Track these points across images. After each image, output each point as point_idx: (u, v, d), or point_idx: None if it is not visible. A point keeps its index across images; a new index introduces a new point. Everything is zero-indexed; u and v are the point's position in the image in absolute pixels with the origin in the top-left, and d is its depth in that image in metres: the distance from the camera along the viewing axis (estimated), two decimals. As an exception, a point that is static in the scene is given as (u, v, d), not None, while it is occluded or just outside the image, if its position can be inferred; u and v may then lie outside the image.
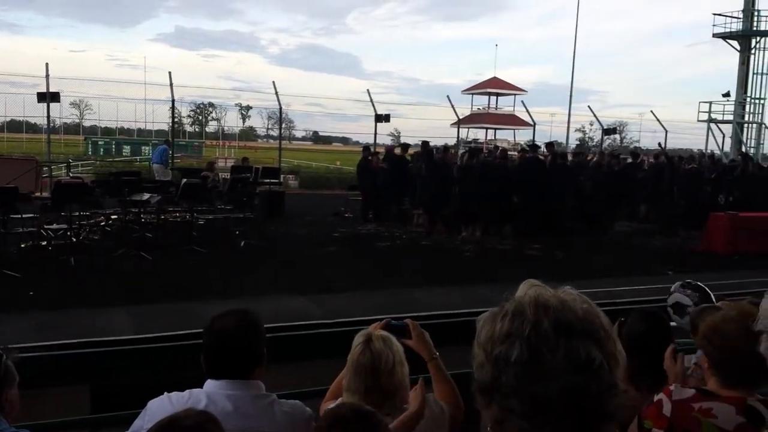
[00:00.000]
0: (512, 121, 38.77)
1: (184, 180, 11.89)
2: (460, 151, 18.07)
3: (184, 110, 71.33)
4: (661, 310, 3.18)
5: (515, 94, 41.29)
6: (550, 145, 16.96)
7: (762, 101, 25.20)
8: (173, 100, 18.40)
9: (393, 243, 12.41)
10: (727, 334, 2.15)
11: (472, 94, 44.99)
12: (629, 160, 17.32)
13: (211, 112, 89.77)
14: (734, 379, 2.13)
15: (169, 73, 17.91)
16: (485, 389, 1.01)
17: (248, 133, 70.43)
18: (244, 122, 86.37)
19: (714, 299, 4.15)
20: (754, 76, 25.16)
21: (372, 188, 14.88)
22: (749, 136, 25.46)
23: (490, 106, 45.32)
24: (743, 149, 24.33)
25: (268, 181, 14.95)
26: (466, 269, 10.20)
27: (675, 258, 11.73)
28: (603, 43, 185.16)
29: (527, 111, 23.08)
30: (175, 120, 21.89)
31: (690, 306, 4.24)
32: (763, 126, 25.44)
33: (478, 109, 44.68)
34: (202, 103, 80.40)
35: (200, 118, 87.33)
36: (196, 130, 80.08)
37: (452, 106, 21.92)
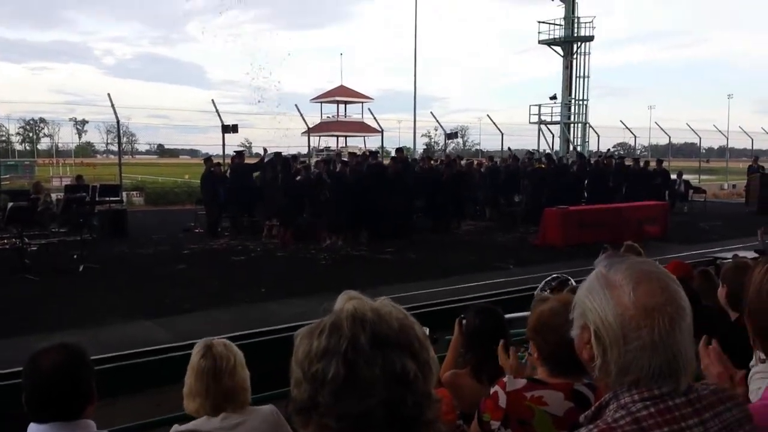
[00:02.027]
0: (361, 128, 39.46)
1: (11, 203, 10.90)
2: (314, 160, 18.09)
3: (12, 127, 65.86)
4: (494, 305, 3.34)
5: (363, 102, 42.11)
6: (399, 150, 17.45)
7: (585, 102, 27.52)
8: (-4, 118, 16.86)
9: (247, 256, 12.15)
10: (552, 325, 2.20)
11: (321, 102, 45.28)
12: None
13: (43, 129, 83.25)
14: (562, 368, 2.21)
15: (-11, 88, 16.41)
16: (303, 408, 1.00)
17: (86, 149, 65.97)
18: (80, 138, 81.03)
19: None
20: (577, 79, 27.37)
21: (217, 201, 14.48)
22: (576, 135, 27.68)
23: (339, 114, 45.85)
24: (570, 147, 26.42)
25: (108, 199, 14.11)
26: (323, 278, 10.19)
27: (515, 253, 12.49)
28: (442, 52, 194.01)
29: (375, 118, 23.57)
30: (2, 138, 19.96)
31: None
32: (588, 125, 27.75)
33: (328, 117, 45.04)
34: (32, 119, 74.40)
35: (30, 135, 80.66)
36: (27, 148, 73.99)
37: (301, 115, 21.89)
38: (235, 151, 16.29)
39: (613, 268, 1.25)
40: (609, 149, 29.60)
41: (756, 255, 6.81)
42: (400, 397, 0.96)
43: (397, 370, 0.96)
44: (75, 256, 11.02)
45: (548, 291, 4.33)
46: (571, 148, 26.30)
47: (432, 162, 17.81)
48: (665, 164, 22.09)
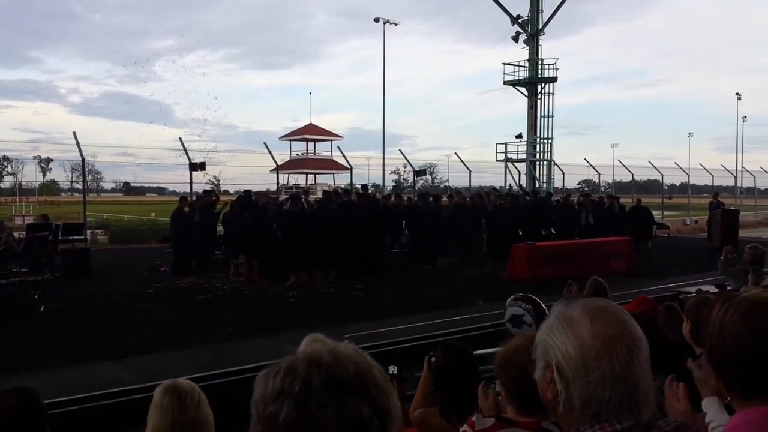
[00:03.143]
0: (331, 165, 39.54)
1: (-30, 243, 10.62)
2: (282, 197, 18.04)
3: (-26, 166, 64.75)
4: (464, 341, 3.34)
5: (332, 140, 42.36)
6: (364, 187, 17.59)
7: (550, 141, 28.04)
8: (-43, 156, 16.56)
9: (213, 295, 11.97)
10: (518, 363, 2.20)
11: (290, 140, 45.42)
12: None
13: (6, 167, 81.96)
14: (528, 406, 2.20)
15: (-50, 126, 16.14)
16: None
17: (50, 187, 65.02)
18: (44, 176, 79.85)
19: (545, 308, 4.37)
20: (542, 118, 27.95)
21: (185, 239, 14.29)
22: (541, 173, 28.13)
23: (309, 151, 45.99)
24: (536, 185, 26.83)
25: (71, 238, 13.86)
26: (291, 316, 10.08)
27: (484, 288, 12.53)
28: (408, 92, 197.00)
29: (344, 156, 23.69)
30: (-38, 176, 19.60)
31: (524, 315, 4.47)
32: (553, 163, 28.25)
33: (297, 154, 45.14)
34: (-5, 157, 73.26)
35: (-7, 173, 79.33)
36: (-11, 186, 72.68)
37: (270, 153, 21.87)
38: (204, 190, 16.16)
39: (570, 307, 1.32)
40: (584, 188, 30.11)
41: (717, 290, 6.94)
42: None
43: (349, 414, 0.95)
44: (36, 296, 10.76)
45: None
46: (537, 185, 26.71)
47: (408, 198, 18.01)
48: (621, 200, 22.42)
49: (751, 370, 1.47)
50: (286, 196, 16.94)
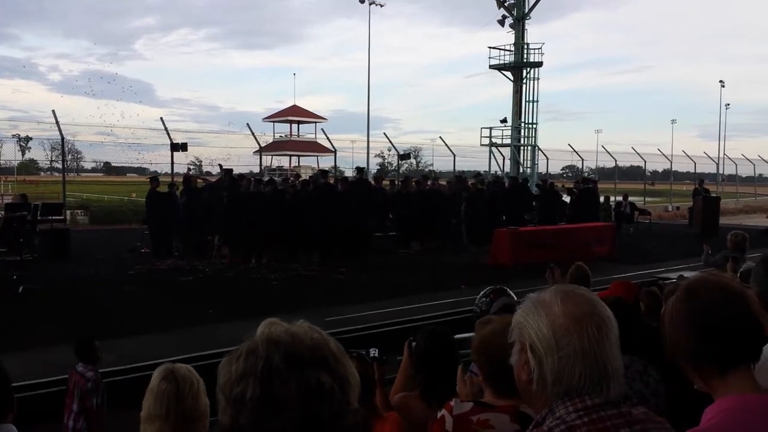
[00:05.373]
0: (314, 148, 39.40)
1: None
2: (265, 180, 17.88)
3: (-50, 144, 63.42)
4: (445, 326, 3.32)
5: (316, 122, 42.13)
6: (359, 170, 17.50)
7: (534, 126, 28.09)
8: (-68, 133, 16.22)
9: (195, 277, 11.89)
10: (496, 346, 2.16)
11: (274, 121, 45.18)
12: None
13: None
14: (506, 390, 2.17)
15: (-74, 102, 15.80)
16: None
17: (29, 167, 64.02)
18: (23, 155, 78.67)
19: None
20: (527, 103, 27.96)
21: (163, 220, 14.14)
22: (525, 158, 28.18)
23: (292, 133, 45.78)
24: (520, 170, 26.92)
25: (50, 218, 13.68)
26: (273, 299, 10.06)
27: (467, 272, 12.57)
28: (393, 75, 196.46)
29: (328, 138, 23.51)
30: (-63, 154, 19.18)
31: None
32: (537, 148, 28.31)
33: (281, 136, 44.94)
34: (-28, 135, 71.99)
35: (-30, 151, 78.06)
36: (-34, 164, 71.52)
37: (253, 134, 21.69)
38: (185, 175, 16.02)
39: (542, 292, 1.40)
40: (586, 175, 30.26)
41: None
42: (316, 410, 1.02)
43: (312, 384, 1.02)
44: (14, 277, 10.62)
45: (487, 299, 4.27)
46: (521, 170, 26.79)
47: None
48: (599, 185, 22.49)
49: (694, 349, 1.51)
50: (255, 179, 16.78)
